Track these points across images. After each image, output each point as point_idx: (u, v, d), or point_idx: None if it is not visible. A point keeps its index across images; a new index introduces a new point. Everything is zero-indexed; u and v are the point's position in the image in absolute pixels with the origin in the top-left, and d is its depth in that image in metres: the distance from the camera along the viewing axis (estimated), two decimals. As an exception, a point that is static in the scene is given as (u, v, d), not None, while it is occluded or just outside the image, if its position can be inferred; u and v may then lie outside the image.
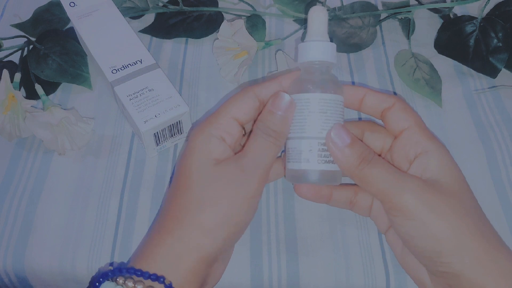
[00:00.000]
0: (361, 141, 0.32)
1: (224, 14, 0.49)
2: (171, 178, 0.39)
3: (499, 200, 0.37)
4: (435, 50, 0.47)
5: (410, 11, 0.47)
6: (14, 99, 0.39)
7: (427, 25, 0.49)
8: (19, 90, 0.41)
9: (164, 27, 0.48)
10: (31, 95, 0.42)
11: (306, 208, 0.37)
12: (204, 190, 0.29)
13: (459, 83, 0.45)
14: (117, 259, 0.35)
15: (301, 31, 0.48)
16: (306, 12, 0.32)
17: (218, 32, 0.43)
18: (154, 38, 0.48)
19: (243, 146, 0.31)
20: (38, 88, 0.41)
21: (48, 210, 0.37)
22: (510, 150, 0.40)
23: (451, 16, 0.48)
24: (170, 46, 0.48)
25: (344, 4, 0.49)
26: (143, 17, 0.50)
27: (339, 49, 0.47)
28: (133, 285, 0.26)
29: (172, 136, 0.39)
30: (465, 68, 0.46)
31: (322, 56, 0.31)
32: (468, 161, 0.39)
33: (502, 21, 0.44)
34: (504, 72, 0.44)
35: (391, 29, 0.49)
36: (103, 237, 0.36)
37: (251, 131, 0.32)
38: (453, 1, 0.48)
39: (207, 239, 0.28)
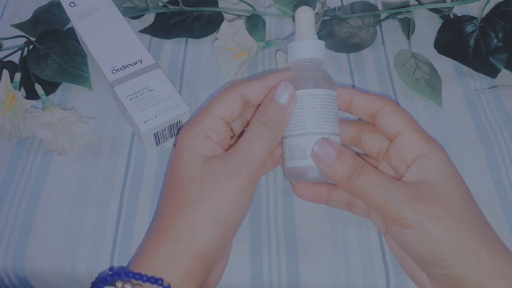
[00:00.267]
0: (354, 150, 0.32)
1: (224, 14, 0.49)
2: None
3: (499, 200, 0.37)
4: (435, 50, 0.47)
5: (410, 11, 0.47)
6: (14, 99, 0.39)
7: (427, 25, 0.49)
8: (19, 90, 0.41)
9: (164, 27, 0.48)
10: (31, 95, 0.42)
11: (306, 208, 0.37)
12: (194, 188, 0.29)
13: (459, 83, 0.45)
14: (117, 259, 0.35)
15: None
16: (299, 15, 0.32)
17: (218, 32, 0.43)
18: (154, 38, 0.48)
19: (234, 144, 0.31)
20: (38, 88, 0.41)
21: (48, 210, 0.37)
22: (510, 150, 0.40)
23: (451, 16, 0.48)
24: (170, 46, 0.48)
25: (344, 4, 0.49)
26: (143, 17, 0.50)
27: (339, 49, 0.47)
28: None
29: (172, 136, 0.39)
30: (465, 68, 0.46)
31: (312, 53, 0.32)
32: (468, 161, 0.39)
33: (502, 21, 0.44)
34: (504, 72, 0.44)
35: (391, 29, 0.49)
36: (103, 237, 0.36)
37: (241, 133, 0.32)
38: (453, 1, 0.48)
39: (200, 236, 0.28)
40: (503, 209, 0.37)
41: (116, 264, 0.35)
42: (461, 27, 0.45)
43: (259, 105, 0.32)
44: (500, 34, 0.43)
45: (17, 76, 0.42)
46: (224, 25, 0.42)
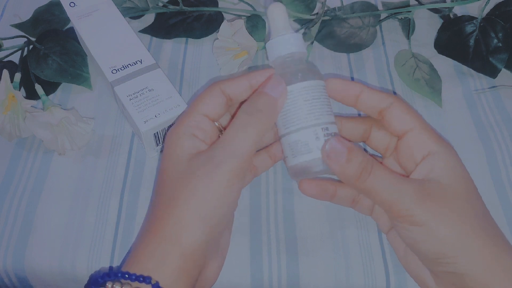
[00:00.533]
0: (364, 147, 0.32)
1: (224, 14, 0.49)
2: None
3: (499, 200, 0.37)
4: (435, 50, 0.47)
5: (410, 11, 0.47)
6: (14, 99, 0.39)
7: (427, 25, 0.49)
8: (19, 90, 0.41)
9: (164, 27, 0.48)
10: (31, 95, 0.42)
11: (306, 208, 0.37)
12: (180, 186, 0.29)
13: (459, 83, 0.45)
14: (117, 259, 0.35)
15: (301, 31, 0.48)
16: (272, 12, 0.32)
17: (218, 32, 0.43)
18: (154, 38, 0.48)
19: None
20: (38, 88, 0.41)
21: (48, 210, 0.37)
22: (510, 150, 0.40)
23: (451, 16, 0.48)
24: (170, 46, 0.48)
25: (344, 4, 0.49)
26: (143, 17, 0.50)
27: (339, 49, 0.47)
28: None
29: (172, 136, 0.39)
30: (465, 68, 0.46)
31: (292, 48, 0.32)
32: (468, 161, 0.39)
33: (502, 21, 0.44)
34: (504, 72, 0.44)
35: (391, 29, 0.49)
36: (103, 237, 0.36)
37: None
38: (453, 1, 0.48)
39: (188, 234, 0.28)
40: (503, 209, 0.37)
41: (116, 264, 0.35)
42: (461, 27, 0.45)
43: (242, 102, 0.32)
44: (500, 34, 0.43)
45: (17, 76, 0.42)
46: (224, 25, 0.42)
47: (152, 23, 0.49)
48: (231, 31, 0.42)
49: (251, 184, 0.38)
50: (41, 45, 0.44)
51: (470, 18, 0.45)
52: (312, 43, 0.46)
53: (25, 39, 0.45)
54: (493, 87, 0.44)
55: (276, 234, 0.36)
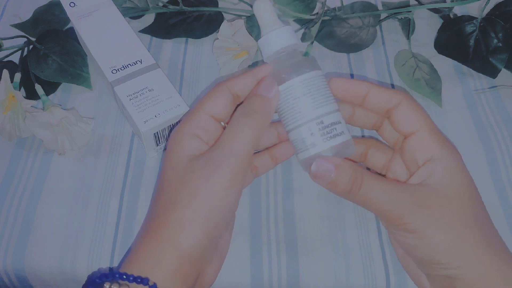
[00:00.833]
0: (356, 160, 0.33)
1: (224, 14, 0.49)
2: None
3: (499, 200, 0.37)
4: (435, 50, 0.47)
5: (410, 11, 0.47)
6: (14, 99, 0.39)
7: (427, 25, 0.49)
8: (19, 90, 0.41)
9: (164, 27, 0.48)
10: (31, 95, 0.42)
11: (306, 208, 0.37)
12: (179, 188, 0.29)
13: (459, 83, 0.45)
14: (117, 259, 0.35)
15: (301, 31, 0.48)
16: (258, 9, 0.32)
17: (218, 32, 0.43)
18: (154, 38, 0.48)
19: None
20: (38, 88, 0.41)
21: (48, 210, 0.37)
22: (510, 150, 0.40)
23: (451, 16, 0.48)
24: (170, 46, 0.48)
25: (344, 4, 0.49)
26: (143, 17, 0.50)
27: (339, 49, 0.47)
28: None
29: (172, 136, 0.39)
30: (465, 68, 0.46)
31: (284, 42, 0.32)
32: (468, 161, 0.39)
33: (502, 21, 0.44)
34: (504, 72, 0.44)
35: (391, 29, 0.49)
36: (103, 237, 0.36)
37: None
38: (453, 1, 0.48)
39: (186, 236, 0.28)
40: (503, 209, 0.37)
41: (116, 264, 0.35)
42: (461, 27, 0.45)
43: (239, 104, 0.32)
44: (500, 34, 0.43)
45: (17, 76, 0.42)
46: (224, 25, 0.42)
47: (152, 23, 0.49)
48: (231, 31, 0.42)
49: (251, 184, 0.38)
50: (41, 45, 0.44)
51: (470, 18, 0.45)
52: (312, 43, 0.46)
53: (25, 39, 0.45)
54: (493, 87, 0.44)
55: (276, 234, 0.36)
